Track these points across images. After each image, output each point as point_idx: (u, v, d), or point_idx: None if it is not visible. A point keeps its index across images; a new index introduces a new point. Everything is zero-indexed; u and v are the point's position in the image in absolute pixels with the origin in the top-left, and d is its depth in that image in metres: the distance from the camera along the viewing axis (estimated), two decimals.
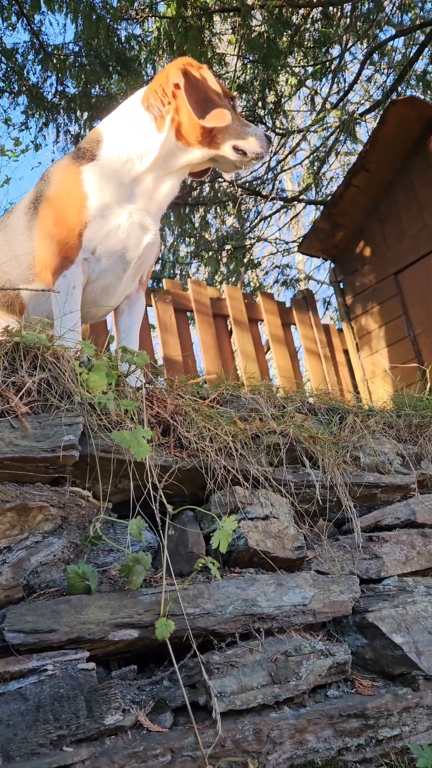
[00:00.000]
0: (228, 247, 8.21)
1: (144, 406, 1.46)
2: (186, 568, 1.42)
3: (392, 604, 1.56)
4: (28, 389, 1.35)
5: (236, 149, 1.84)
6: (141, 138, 1.82)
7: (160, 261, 8.24)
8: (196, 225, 8.30)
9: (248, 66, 6.85)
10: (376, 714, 1.36)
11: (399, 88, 6.70)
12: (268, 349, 5.59)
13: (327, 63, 6.98)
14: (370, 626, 1.50)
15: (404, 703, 1.41)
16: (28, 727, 1.09)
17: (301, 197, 8.17)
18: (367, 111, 7.44)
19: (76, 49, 6.59)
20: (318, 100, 7.81)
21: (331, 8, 6.28)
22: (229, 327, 5.21)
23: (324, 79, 7.41)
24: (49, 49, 6.37)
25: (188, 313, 4.93)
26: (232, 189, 7.79)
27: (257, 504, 1.54)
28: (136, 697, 1.25)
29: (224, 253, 8.31)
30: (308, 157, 8.15)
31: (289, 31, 6.21)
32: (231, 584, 1.38)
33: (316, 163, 7.89)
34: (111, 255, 1.83)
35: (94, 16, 6.06)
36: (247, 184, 7.79)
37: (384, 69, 7.57)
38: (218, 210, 8.34)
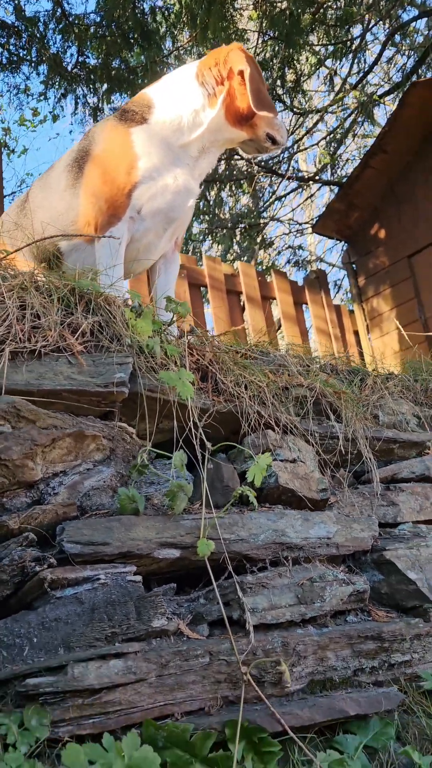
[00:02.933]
0: (242, 225, 8.26)
1: (186, 352, 1.57)
2: (221, 501, 1.54)
3: (407, 546, 1.68)
4: (83, 330, 1.47)
5: (268, 136, 2.02)
6: (194, 110, 1.97)
7: None
8: (211, 202, 8.34)
9: (268, 43, 6.85)
10: (391, 638, 1.49)
11: (420, 71, 6.70)
12: (279, 326, 5.68)
13: (348, 43, 6.98)
14: (386, 563, 1.63)
15: (416, 630, 1.54)
16: (85, 624, 1.22)
17: (316, 177, 8.21)
18: (387, 93, 7.44)
19: (98, 19, 6.59)
20: (337, 80, 7.81)
21: None
22: (241, 303, 5.29)
23: (344, 59, 7.41)
24: (71, 19, 6.37)
25: (202, 288, 5.00)
26: (248, 167, 7.82)
27: (286, 448, 1.66)
28: (176, 610, 1.38)
29: (237, 232, 8.36)
30: (325, 137, 8.16)
31: (312, 9, 6.21)
32: (262, 516, 1.51)
33: (333, 144, 7.90)
34: (155, 215, 1.94)
35: None
36: (263, 162, 7.82)
37: (405, 50, 7.56)
38: (233, 188, 8.38)
